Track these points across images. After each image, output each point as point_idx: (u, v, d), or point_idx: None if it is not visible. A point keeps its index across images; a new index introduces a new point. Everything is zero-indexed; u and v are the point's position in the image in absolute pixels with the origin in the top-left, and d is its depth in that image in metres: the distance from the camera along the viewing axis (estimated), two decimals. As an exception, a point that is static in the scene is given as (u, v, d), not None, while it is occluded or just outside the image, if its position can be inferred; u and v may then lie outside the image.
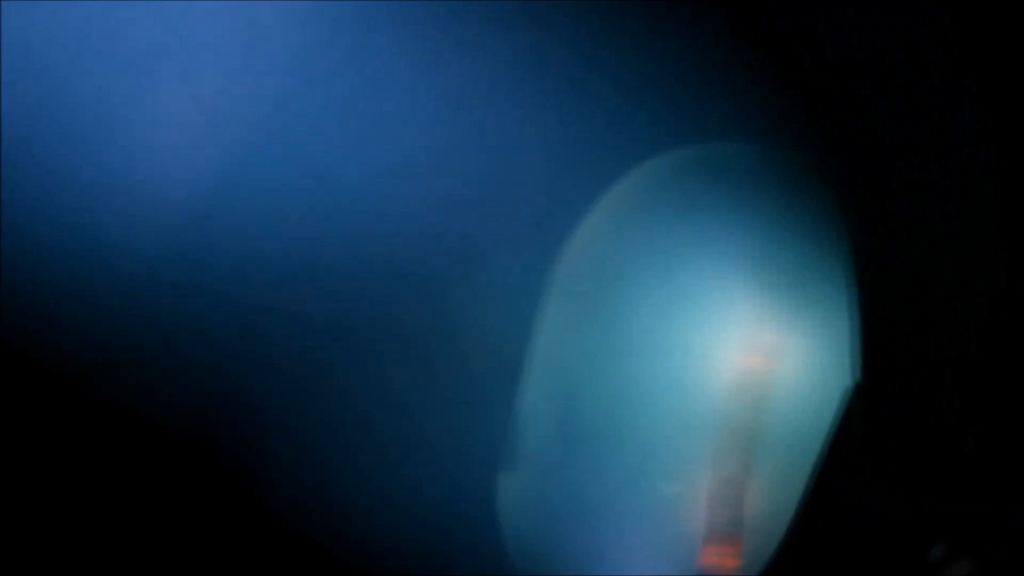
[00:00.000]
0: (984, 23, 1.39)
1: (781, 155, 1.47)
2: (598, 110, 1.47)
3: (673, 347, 1.46)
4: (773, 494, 1.43)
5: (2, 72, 1.38)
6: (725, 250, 1.46)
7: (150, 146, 1.43)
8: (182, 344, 1.44)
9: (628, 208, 1.48)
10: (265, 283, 1.44)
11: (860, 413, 1.41)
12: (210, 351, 1.44)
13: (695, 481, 1.45)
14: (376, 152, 1.46)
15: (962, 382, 1.39)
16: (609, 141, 1.47)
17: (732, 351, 1.45)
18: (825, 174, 1.45)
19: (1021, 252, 1.38)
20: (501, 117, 1.47)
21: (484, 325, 1.46)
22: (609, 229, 1.47)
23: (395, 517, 1.46)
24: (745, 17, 1.46)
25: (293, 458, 1.46)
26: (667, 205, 1.47)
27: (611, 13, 1.47)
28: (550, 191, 1.47)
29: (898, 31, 1.41)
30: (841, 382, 1.42)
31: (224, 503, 1.46)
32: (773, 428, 1.44)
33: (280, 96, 1.46)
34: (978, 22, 1.39)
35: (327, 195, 1.44)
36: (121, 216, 1.43)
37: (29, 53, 1.40)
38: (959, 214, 1.40)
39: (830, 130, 1.45)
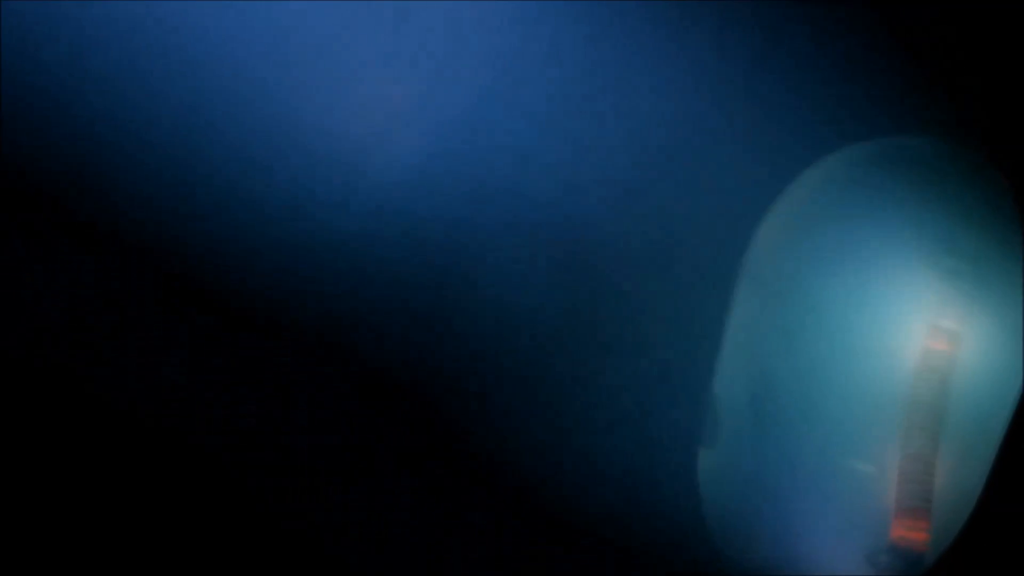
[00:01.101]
0: None
1: (960, 148, 1.53)
2: (784, 105, 1.54)
3: (861, 331, 1.53)
4: (960, 471, 1.50)
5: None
6: (909, 239, 1.53)
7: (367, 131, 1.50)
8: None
9: (816, 198, 1.55)
10: (469, 265, 1.51)
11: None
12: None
13: (885, 458, 1.52)
14: (572, 148, 1.53)
15: None
16: (797, 135, 1.54)
17: (917, 334, 1.52)
18: (1003, 166, 1.51)
19: None
20: (690, 112, 1.54)
21: (685, 311, 1.53)
22: (799, 218, 1.55)
23: (598, 491, 1.53)
24: (924, 8, 1.53)
25: (502, 440, 1.54)
26: (853, 196, 1.54)
27: (787, 7, 1.54)
28: (742, 182, 1.54)
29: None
30: (1020, 363, 1.49)
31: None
32: (958, 407, 1.51)
33: (484, 90, 1.53)
34: None
35: (529, 186, 1.51)
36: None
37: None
38: None
39: (1008, 122, 1.51)
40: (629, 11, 1.55)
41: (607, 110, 1.55)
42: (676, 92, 1.54)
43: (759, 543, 1.53)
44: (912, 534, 1.50)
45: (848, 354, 1.52)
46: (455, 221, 1.53)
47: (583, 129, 1.54)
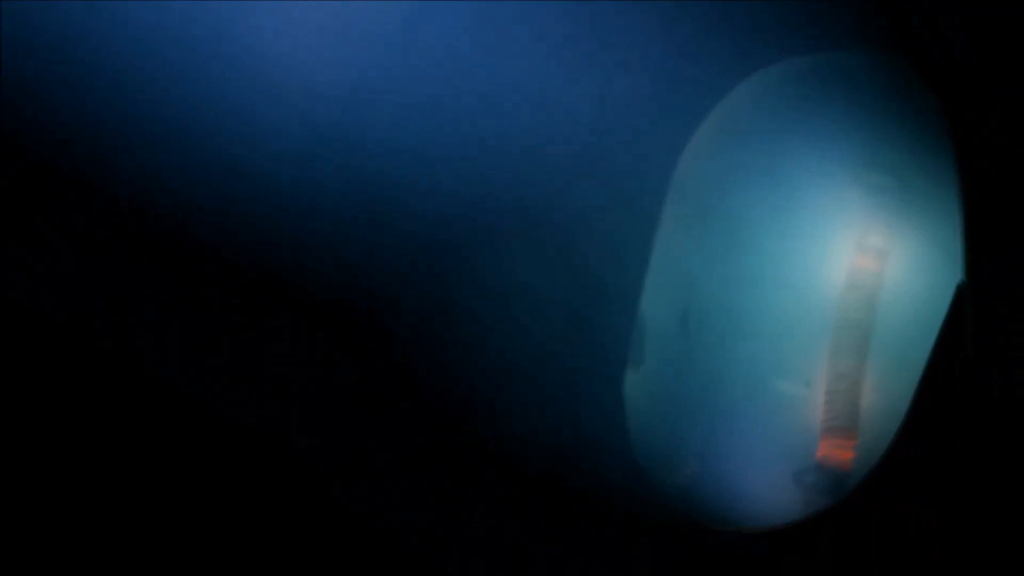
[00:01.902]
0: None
1: (888, 63, 1.51)
2: (711, 21, 1.52)
3: (787, 248, 1.51)
4: (887, 389, 1.49)
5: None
6: (836, 155, 1.51)
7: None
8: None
9: (742, 115, 1.53)
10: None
11: (969, 308, 1.45)
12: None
13: (811, 376, 1.51)
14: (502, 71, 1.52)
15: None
16: (722, 50, 1.52)
17: (845, 252, 1.51)
18: (933, 81, 1.49)
19: None
20: (620, 27, 1.53)
21: (612, 229, 1.52)
22: (725, 136, 1.53)
23: (522, 410, 1.53)
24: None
25: (422, 350, 1.54)
26: (779, 112, 1.53)
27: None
28: (668, 99, 1.52)
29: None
30: (950, 279, 1.47)
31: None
32: (886, 325, 1.50)
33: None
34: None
35: (462, 106, 1.51)
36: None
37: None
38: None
39: (938, 37, 1.49)
40: None
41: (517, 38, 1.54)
42: (605, 7, 1.53)
43: (685, 462, 1.53)
44: (838, 453, 1.49)
45: (775, 272, 1.51)
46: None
47: (510, 53, 1.53)
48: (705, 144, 1.53)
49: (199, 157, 1.49)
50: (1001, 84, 1.45)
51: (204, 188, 1.50)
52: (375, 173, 1.51)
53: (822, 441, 1.49)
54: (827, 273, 1.50)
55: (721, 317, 1.52)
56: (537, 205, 1.53)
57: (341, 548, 1.54)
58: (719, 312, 1.52)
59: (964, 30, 1.46)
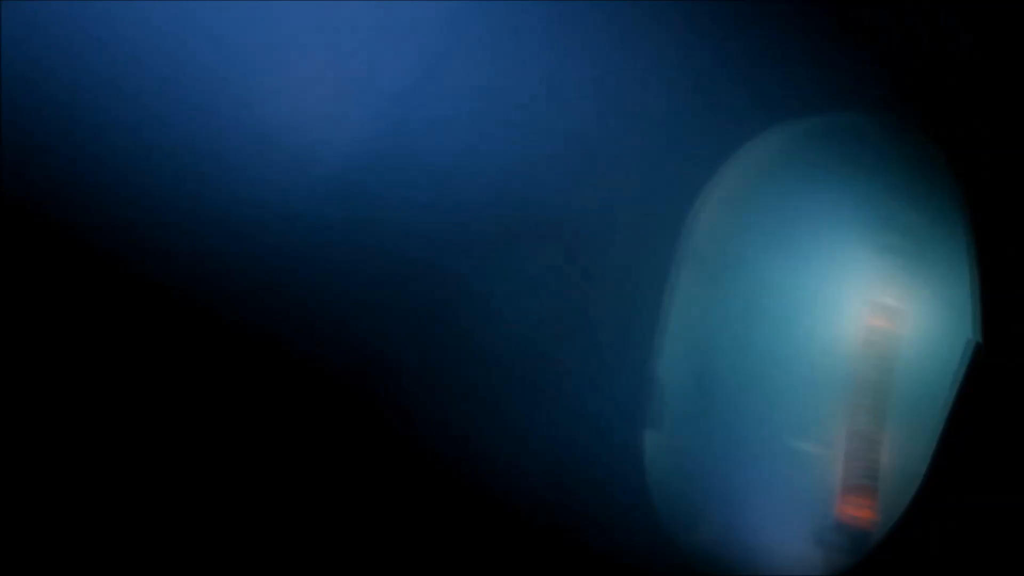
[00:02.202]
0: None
1: (899, 124, 1.53)
2: (721, 83, 1.54)
3: (802, 308, 1.53)
4: (906, 447, 1.50)
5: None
6: (848, 216, 1.53)
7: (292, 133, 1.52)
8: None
9: (754, 175, 1.55)
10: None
11: (983, 369, 1.47)
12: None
13: (830, 436, 1.52)
14: (515, 130, 1.54)
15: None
16: (733, 110, 1.54)
17: (859, 312, 1.52)
18: (943, 142, 1.51)
19: None
20: (628, 93, 1.55)
21: (626, 292, 1.54)
22: (737, 196, 1.55)
23: (543, 475, 1.54)
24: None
25: (439, 410, 1.55)
26: (791, 172, 1.55)
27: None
28: (679, 157, 1.54)
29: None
30: (964, 340, 1.48)
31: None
32: (902, 384, 1.51)
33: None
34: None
35: (476, 167, 1.53)
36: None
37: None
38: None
39: (947, 98, 1.51)
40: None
41: (548, 94, 1.56)
42: (613, 74, 1.55)
43: (706, 523, 1.53)
44: (858, 512, 1.50)
45: (790, 333, 1.53)
46: (404, 202, 1.55)
47: (526, 111, 1.55)
48: (717, 203, 1.55)
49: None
50: (1010, 139, 1.47)
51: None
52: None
53: (841, 500, 1.50)
54: (842, 333, 1.52)
55: (738, 377, 1.53)
56: (549, 267, 1.55)
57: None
58: (736, 372, 1.53)
59: (970, 88, 1.48)
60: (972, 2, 1.51)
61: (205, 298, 1.51)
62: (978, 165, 1.50)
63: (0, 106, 1.47)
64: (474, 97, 1.55)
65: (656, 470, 1.53)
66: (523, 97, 1.55)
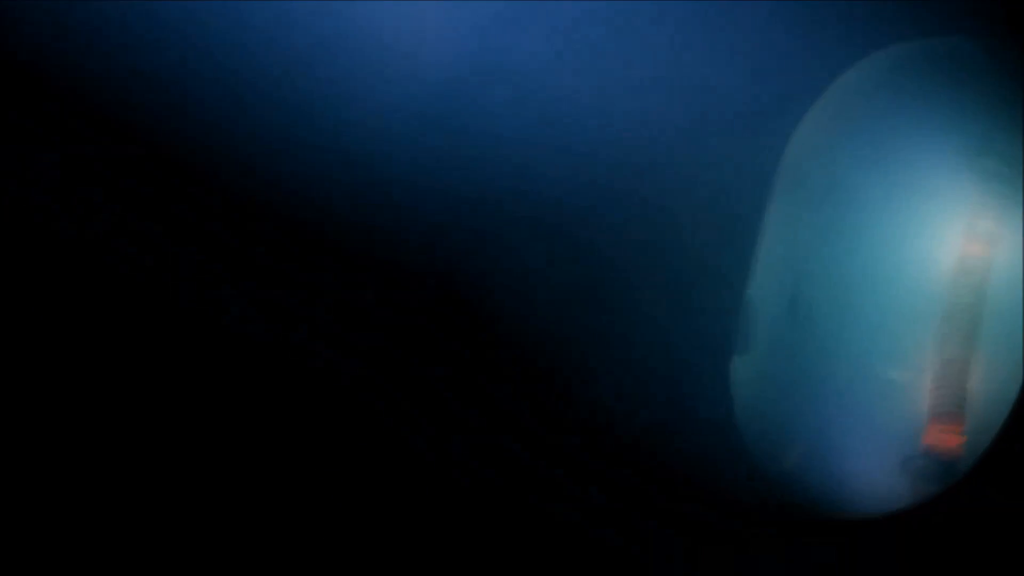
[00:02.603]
0: None
1: (1000, 48, 1.50)
2: (818, 8, 1.49)
3: (897, 233, 1.50)
4: (995, 375, 1.49)
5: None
6: (946, 140, 1.50)
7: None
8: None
9: (854, 99, 1.50)
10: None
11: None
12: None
13: (919, 363, 1.50)
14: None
15: None
16: (833, 34, 1.49)
17: (954, 237, 1.50)
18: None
19: None
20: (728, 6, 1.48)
21: (720, 212, 1.48)
22: (836, 120, 1.50)
23: (630, 395, 1.49)
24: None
25: (527, 339, 1.49)
26: (890, 97, 1.50)
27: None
28: (779, 83, 1.49)
29: None
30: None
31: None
32: (995, 311, 1.50)
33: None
34: None
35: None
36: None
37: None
38: None
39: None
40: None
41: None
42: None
43: (793, 450, 1.51)
44: (946, 439, 1.49)
45: (885, 257, 1.50)
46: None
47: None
48: (815, 129, 1.50)
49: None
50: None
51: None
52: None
53: (930, 428, 1.49)
54: (936, 259, 1.49)
55: (830, 303, 1.50)
56: (645, 192, 1.48)
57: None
58: (828, 298, 1.50)
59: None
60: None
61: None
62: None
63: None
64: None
65: (744, 396, 1.50)
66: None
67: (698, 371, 1.49)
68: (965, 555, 1.47)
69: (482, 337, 1.49)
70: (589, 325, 1.50)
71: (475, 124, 1.45)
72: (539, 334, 1.50)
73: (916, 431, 1.50)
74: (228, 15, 1.39)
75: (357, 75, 1.42)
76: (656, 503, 1.50)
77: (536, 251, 1.49)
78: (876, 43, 1.49)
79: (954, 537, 1.48)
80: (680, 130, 1.48)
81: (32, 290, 1.46)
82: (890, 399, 1.50)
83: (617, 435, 1.50)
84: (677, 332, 1.49)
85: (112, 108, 1.41)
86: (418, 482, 1.51)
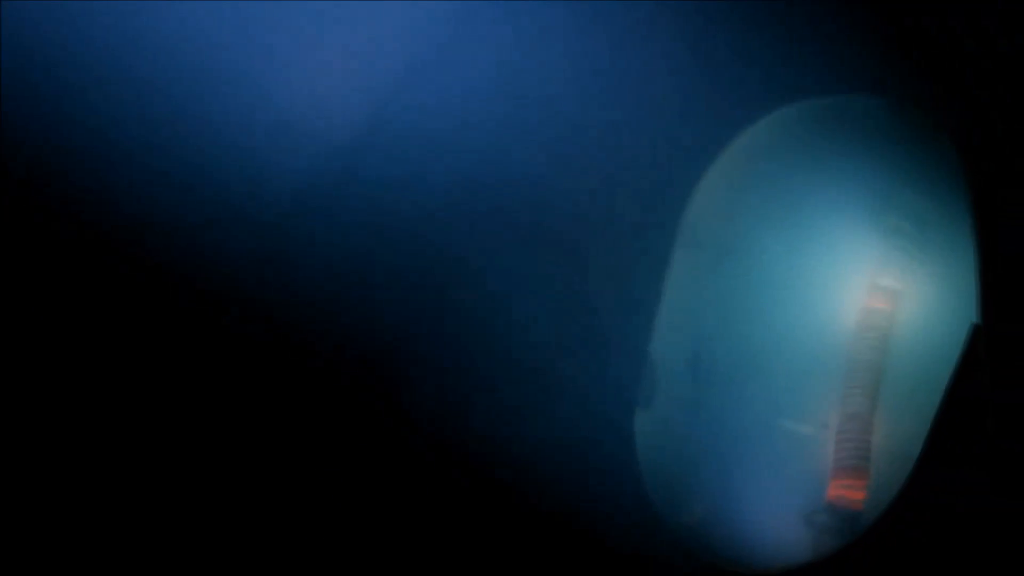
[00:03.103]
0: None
1: (905, 107, 1.52)
2: (727, 60, 1.53)
3: (800, 288, 1.51)
4: (899, 430, 1.48)
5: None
6: (850, 197, 1.52)
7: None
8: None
9: (756, 156, 1.54)
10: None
11: (983, 352, 1.45)
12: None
13: (823, 417, 1.50)
14: (508, 112, 1.54)
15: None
16: (738, 89, 1.53)
17: (858, 293, 1.51)
18: (947, 125, 1.50)
19: None
20: (632, 72, 1.54)
21: (623, 272, 1.53)
22: (739, 177, 1.54)
23: (533, 450, 1.53)
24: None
25: (432, 392, 1.54)
26: (795, 153, 1.53)
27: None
28: (681, 137, 1.53)
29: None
30: (963, 323, 1.47)
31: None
32: (898, 367, 1.49)
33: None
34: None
35: (464, 148, 1.52)
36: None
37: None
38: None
39: (953, 82, 1.50)
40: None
41: (543, 75, 1.55)
42: (616, 52, 1.54)
43: (697, 503, 1.52)
44: (850, 493, 1.48)
45: (787, 313, 1.51)
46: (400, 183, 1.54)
47: (519, 90, 1.54)
48: (717, 183, 1.54)
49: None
50: (1014, 122, 1.46)
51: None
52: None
53: (833, 482, 1.48)
54: (840, 314, 1.50)
55: (732, 358, 1.52)
56: (546, 246, 1.54)
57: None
58: (730, 353, 1.52)
59: (976, 70, 1.47)
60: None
61: (208, 284, 1.50)
62: (983, 149, 1.48)
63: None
64: (472, 86, 1.54)
65: (648, 451, 1.52)
66: (520, 88, 1.54)
67: (600, 425, 1.52)
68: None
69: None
70: (491, 381, 1.54)
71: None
72: (442, 386, 1.56)
73: (819, 485, 1.50)
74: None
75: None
76: (559, 556, 1.52)
77: (443, 308, 1.56)
78: (779, 99, 1.53)
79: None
80: (582, 183, 1.54)
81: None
82: (793, 453, 1.50)
83: (520, 487, 1.53)
84: (580, 388, 1.53)
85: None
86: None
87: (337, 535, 1.54)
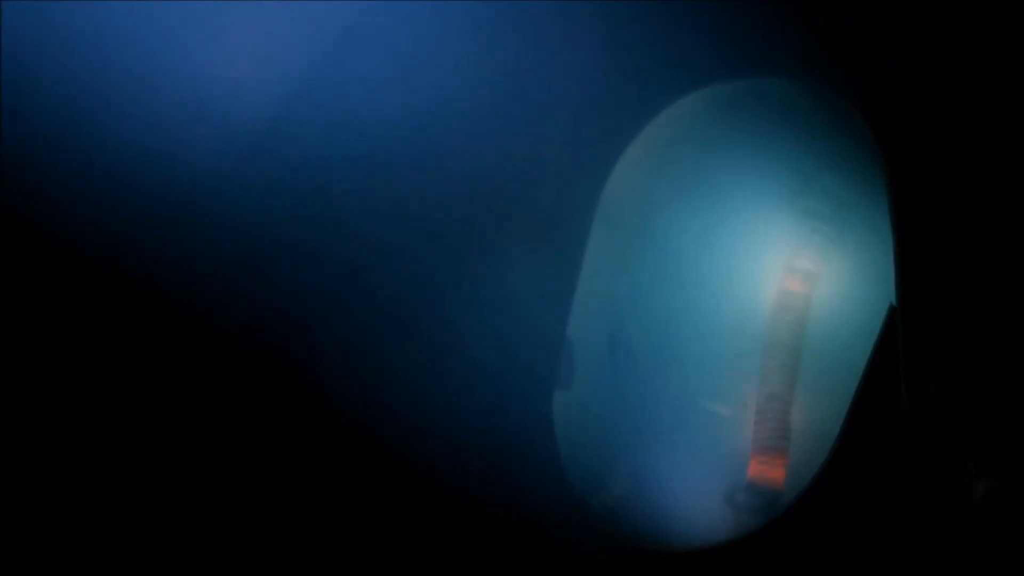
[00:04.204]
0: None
1: (821, 90, 1.54)
2: (640, 44, 1.54)
3: (717, 271, 1.53)
4: (819, 410, 1.50)
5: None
6: (767, 180, 1.53)
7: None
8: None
9: (673, 139, 1.55)
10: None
11: (900, 332, 1.46)
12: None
13: (741, 398, 1.51)
14: (427, 84, 1.53)
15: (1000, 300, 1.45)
16: (651, 75, 1.54)
17: (774, 275, 1.52)
18: (866, 109, 1.52)
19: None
20: (550, 53, 1.54)
21: (539, 252, 1.52)
22: (655, 159, 1.54)
23: (451, 432, 1.52)
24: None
25: (346, 378, 1.52)
26: (711, 136, 1.54)
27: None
28: (596, 120, 1.53)
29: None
30: (880, 304, 1.48)
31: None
32: (816, 347, 1.51)
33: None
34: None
35: (383, 124, 1.51)
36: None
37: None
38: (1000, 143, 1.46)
39: (870, 65, 1.52)
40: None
41: (462, 46, 1.55)
42: (530, 33, 1.54)
43: (617, 484, 1.52)
44: (769, 472, 1.49)
45: (705, 294, 1.52)
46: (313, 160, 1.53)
47: (437, 64, 1.54)
48: (633, 167, 1.54)
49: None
50: (930, 107, 1.48)
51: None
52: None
53: (753, 461, 1.49)
54: (757, 296, 1.51)
55: (650, 339, 1.52)
56: (460, 227, 1.53)
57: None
58: (648, 334, 1.52)
59: (892, 55, 1.49)
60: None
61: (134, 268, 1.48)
62: (900, 131, 1.50)
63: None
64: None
65: (567, 432, 1.51)
66: (433, 75, 1.54)
67: (519, 405, 1.52)
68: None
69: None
70: (408, 361, 1.53)
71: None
72: (358, 371, 1.54)
73: (740, 465, 1.51)
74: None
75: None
76: (477, 536, 1.51)
77: (359, 292, 1.54)
78: (694, 83, 1.53)
79: (773, 569, 1.46)
80: (497, 165, 1.53)
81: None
82: (713, 433, 1.51)
83: (436, 468, 1.51)
84: (498, 369, 1.52)
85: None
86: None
87: (247, 517, 1.52)
